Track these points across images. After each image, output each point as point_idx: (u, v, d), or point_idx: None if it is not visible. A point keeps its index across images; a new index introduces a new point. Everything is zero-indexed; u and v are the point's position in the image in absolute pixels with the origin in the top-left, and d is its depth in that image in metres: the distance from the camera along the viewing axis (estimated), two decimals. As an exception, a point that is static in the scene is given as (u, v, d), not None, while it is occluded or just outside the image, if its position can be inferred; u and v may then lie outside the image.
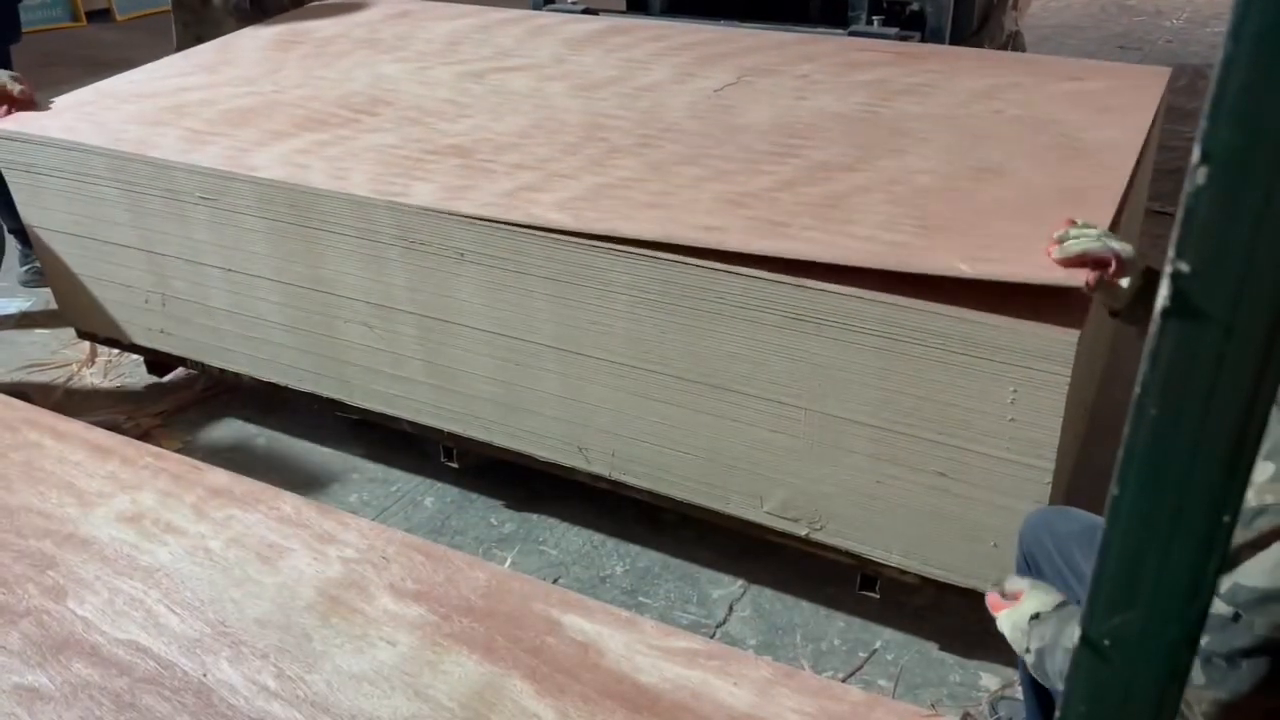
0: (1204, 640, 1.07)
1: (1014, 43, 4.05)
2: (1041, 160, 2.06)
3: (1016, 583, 1.35)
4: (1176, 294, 0.46)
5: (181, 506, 1.64)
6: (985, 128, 2.25)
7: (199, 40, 3.30)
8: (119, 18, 6.83)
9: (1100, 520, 0.55)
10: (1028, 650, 1.19)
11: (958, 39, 3.39)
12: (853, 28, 3.38)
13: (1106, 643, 0.55)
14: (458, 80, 2.73)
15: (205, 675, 1.36)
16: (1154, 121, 2.32)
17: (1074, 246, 1.61)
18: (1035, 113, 2.30)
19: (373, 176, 2.24)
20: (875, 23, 3.37)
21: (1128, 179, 1.95)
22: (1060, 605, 1.23)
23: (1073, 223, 1.67)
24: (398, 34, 3.12)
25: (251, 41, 3.15)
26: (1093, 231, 1.63)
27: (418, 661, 1.39)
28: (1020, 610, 1.27)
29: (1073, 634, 1.06)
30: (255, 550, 1.56)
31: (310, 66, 2.90)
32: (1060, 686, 1.09)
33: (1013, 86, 2.47)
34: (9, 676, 1.36)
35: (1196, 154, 0.44)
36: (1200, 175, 0.44)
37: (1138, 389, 0.49)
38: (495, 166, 2.23)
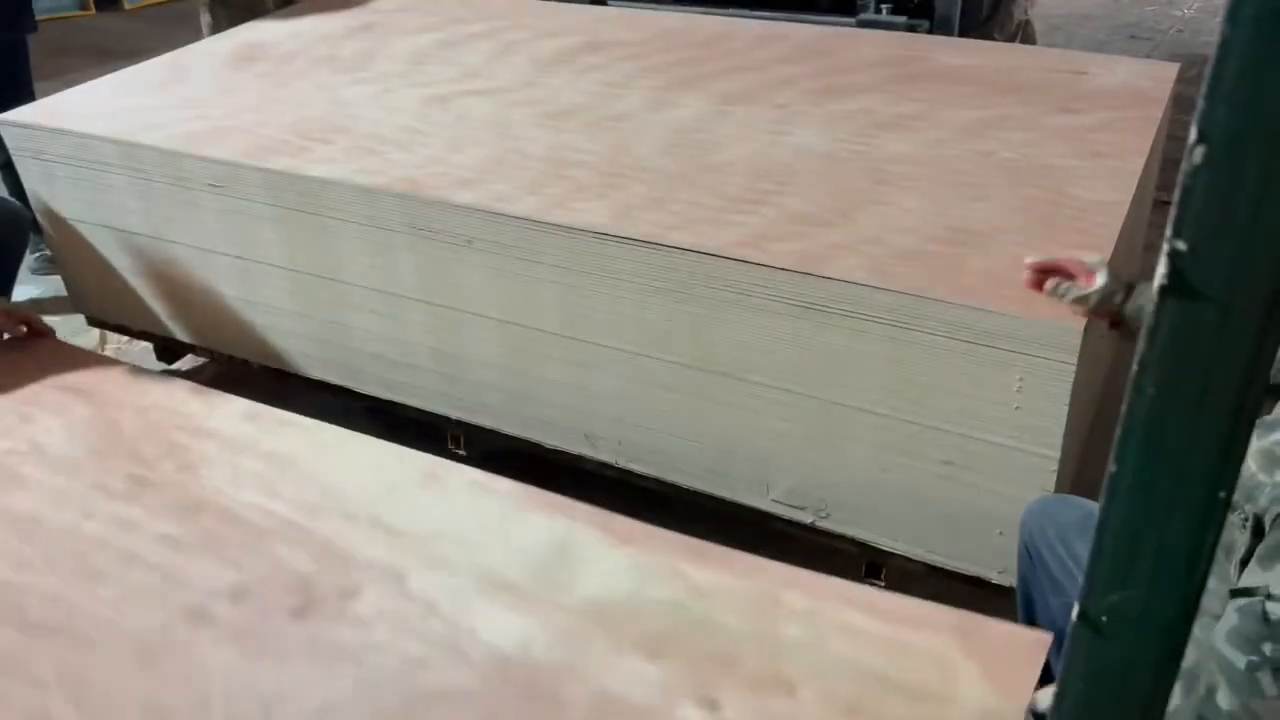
0: (1270, 649, 1.05)
1: (1023, 32, 4.03)
2: (1029, 223, 1.95)
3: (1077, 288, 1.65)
4: (1174, 273, 0.47)
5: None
6: (973, 175, 2.13)
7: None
8: (128, 6, 6.82)
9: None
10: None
11: (967, 28, 3.36)
12: (861, 16, 3.38)
13: (1104, 619, 0.55)
14: (421, 106, 2.58)
15: (321, 529, 1.47)
16: (1158, 129, 2.29)
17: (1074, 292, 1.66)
18: (1026, 156, 2.19)
19: None
20: (884, 11, 3.36)
21: (1112, 249, 1.85)
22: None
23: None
24: (360, 50, 2.96)
25: (206, 58, 3.00)
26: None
27: (505, 519, 1.49)
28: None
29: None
30: (362, 441, 1.68)
31: (265, 87, 2.76)
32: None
33: (1002, 120, 2.34)
34: (151, 527, 1.48)
35: (1194, 134, 0.45)
36: (1197, 155, 0.45)
37: (1135, 367, 0.50)
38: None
